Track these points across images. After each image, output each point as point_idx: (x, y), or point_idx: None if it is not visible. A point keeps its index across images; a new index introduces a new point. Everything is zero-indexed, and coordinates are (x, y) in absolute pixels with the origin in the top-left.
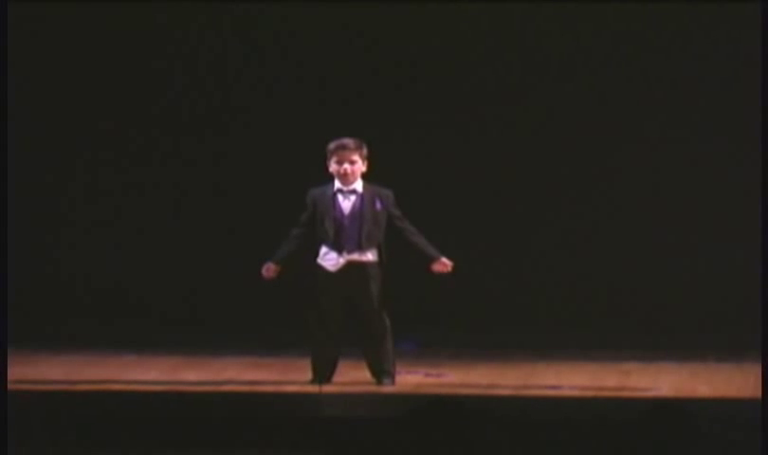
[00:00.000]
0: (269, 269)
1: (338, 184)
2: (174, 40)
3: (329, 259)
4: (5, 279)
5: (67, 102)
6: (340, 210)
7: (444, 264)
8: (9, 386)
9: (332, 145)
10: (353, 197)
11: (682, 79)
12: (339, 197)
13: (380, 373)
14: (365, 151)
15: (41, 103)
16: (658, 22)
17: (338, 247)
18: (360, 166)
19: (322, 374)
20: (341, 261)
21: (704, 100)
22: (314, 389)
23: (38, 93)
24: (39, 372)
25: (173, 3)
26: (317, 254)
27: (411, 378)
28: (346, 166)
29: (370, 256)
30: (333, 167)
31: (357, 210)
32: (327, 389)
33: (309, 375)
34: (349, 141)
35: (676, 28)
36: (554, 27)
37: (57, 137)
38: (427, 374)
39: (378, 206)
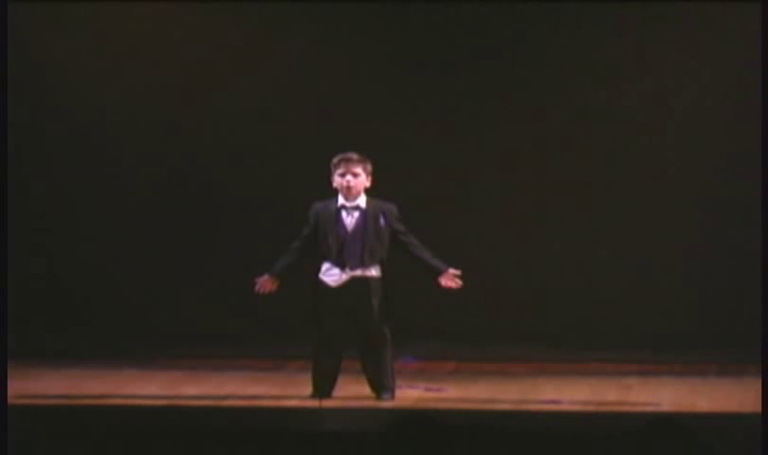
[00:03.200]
0: (266, 282)
1: (341, 199)
2: (176, 45)
3: (331, 274)
4: (4, 292)
5: (66, 106)
6: (344, 227)
7: (451, 277)
8: (10, 401)
9: (336, 158)
10: (356, 213)
11: (682, 81)
12: (343, 213)
13: (380, 387)
14: (369, 167)
15: (41, 109)
16: (652, 26)
17: (340, 264)
18: (364, 180)
19: (323, 389)
20: (344, 277)
21: (705, 103)
22: (314, 403)
23: (38, 95)
24: (39, 386)
25: (175, 6)
26: (318, 269)
27: (412, 393)
28: (349, 178)
29: (373, 272)
30: (336, 180)
31: (361, 227)
32: (327, 403)
33: (309, 390)
34: (353, 154)
35: (669, 31)
36: (550, 31)
37: (57, 146)
38: (427, 389)
39: (382, 222)
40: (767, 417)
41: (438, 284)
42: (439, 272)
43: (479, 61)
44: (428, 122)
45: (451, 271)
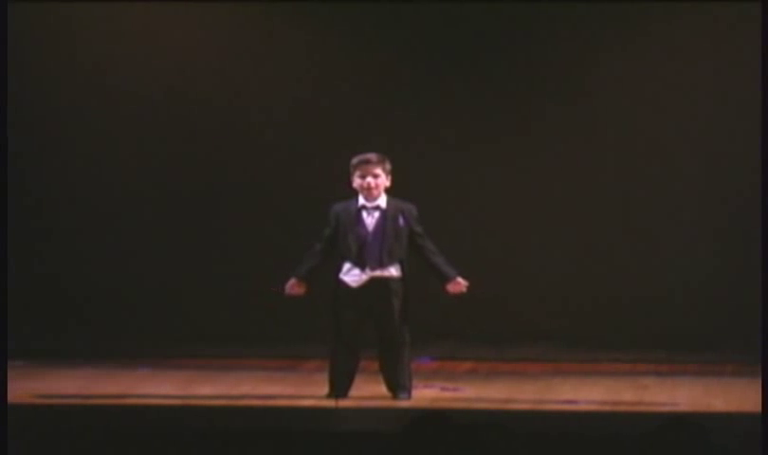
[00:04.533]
0: (294, 285)
1: (361, 200)
2: (186, 46)
3: (352, 275)
4: (5, 292)
5: (67, 106)
6: (364, 227)
7: (458, 284)
8: (24, 400)
9: (355, 160)
10: (376, 213)
11: (689, 81)
12: (363, 213)
13: (396, 387)
14: (388, 165)
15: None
16: (649, 27)
17: (360, 264)
18: (384, 180)
19: (339, 389)
20: (364, 277)
21: (711, 101)
22: (330, 403)
23: (38, 95)
24: (53, 386)
25: (189, 6)
26: (338, 269)
27: (428, 392)
28: (369, 180)
29: (393, 271)
30: (356, 182)
31: (381, 227)
32: (344, 403)
33: (325, 389)
34: (372, 156)
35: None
36: (558, 32)
37: (64, 148)
38: (443, 389)
39: (401, 221)
40: (767, 417)
41: (445, 291)
42: (447, 279)
43: (489, 62)
44: (446, 124)
45: (459, 279)
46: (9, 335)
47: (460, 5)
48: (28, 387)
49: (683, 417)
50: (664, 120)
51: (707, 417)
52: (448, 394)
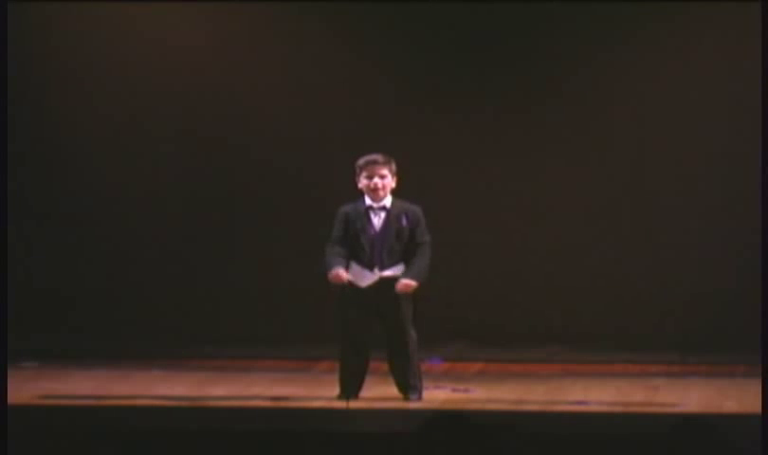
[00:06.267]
0: (339, 274)
1: (368, 201)
2: (190, 47)
3: (360, 275)
4: (5, 292)
5: (69, 105)
6: (372, 227)
7: (403, 285)
8: (38, 401)
9: (361, 161)
10: (382, 214)
11: (689, 78)
12: (371, 214)
13: (407, 388)
14: (394, 166)
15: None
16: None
17: (369, 264)
18: (390, 181)
19: (350, 390)
20: (372, 277)
21: (714, 103)
22: (341, 404)
23: (39, 95)
24: (67, 387)
25: (195, 6)
26: (346, 269)
27: (438, 393)
28: (376, 180)
29: (399, 272)
30: (362, 182)
31: (386, 227)
32: (354, 404)
33: (336, 391)
34: (378, 156)
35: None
36: (566, 32)
37: (75, 150)
38: (454, 390)
39: (405, 222)
40: (767, 417)
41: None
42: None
43: (491, 62)
44: (452, 125)
45: (404, 280)
46: (23, 336)
47: (463, 5)
48: (42, 388)
49: (694, 418)
50: (674, 121)
51: (719, 418)
52: (458, 395)
